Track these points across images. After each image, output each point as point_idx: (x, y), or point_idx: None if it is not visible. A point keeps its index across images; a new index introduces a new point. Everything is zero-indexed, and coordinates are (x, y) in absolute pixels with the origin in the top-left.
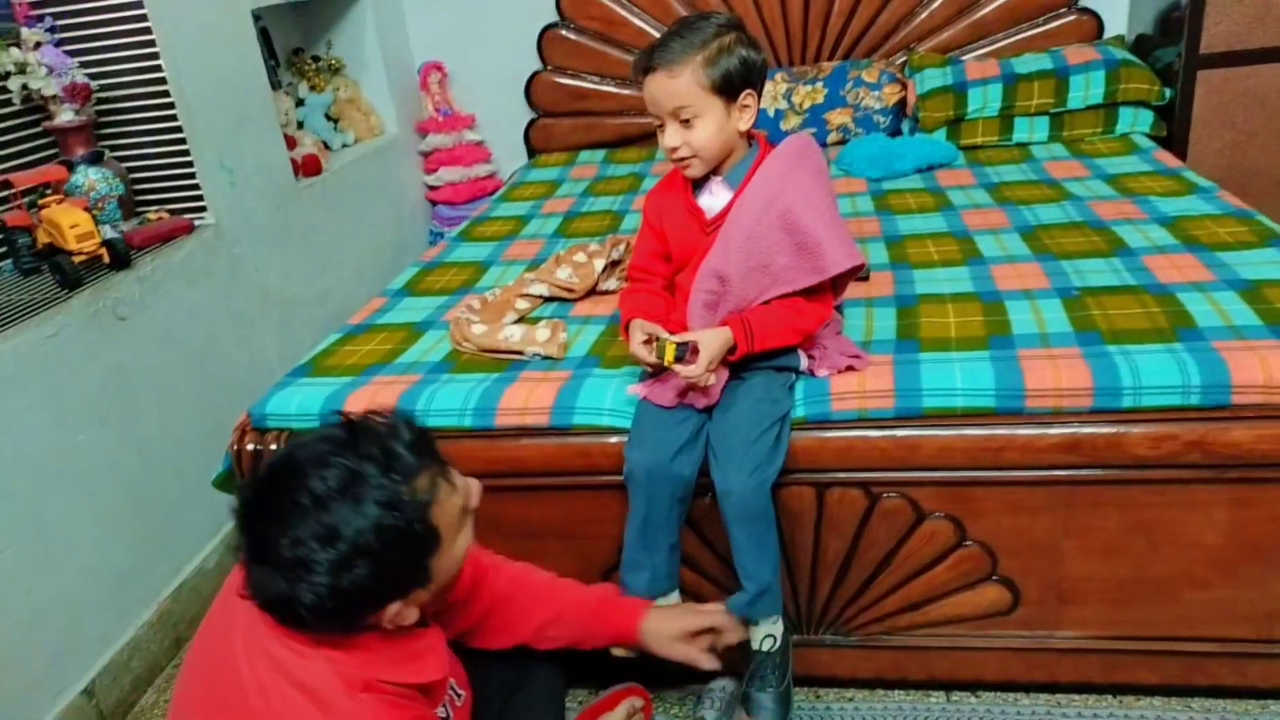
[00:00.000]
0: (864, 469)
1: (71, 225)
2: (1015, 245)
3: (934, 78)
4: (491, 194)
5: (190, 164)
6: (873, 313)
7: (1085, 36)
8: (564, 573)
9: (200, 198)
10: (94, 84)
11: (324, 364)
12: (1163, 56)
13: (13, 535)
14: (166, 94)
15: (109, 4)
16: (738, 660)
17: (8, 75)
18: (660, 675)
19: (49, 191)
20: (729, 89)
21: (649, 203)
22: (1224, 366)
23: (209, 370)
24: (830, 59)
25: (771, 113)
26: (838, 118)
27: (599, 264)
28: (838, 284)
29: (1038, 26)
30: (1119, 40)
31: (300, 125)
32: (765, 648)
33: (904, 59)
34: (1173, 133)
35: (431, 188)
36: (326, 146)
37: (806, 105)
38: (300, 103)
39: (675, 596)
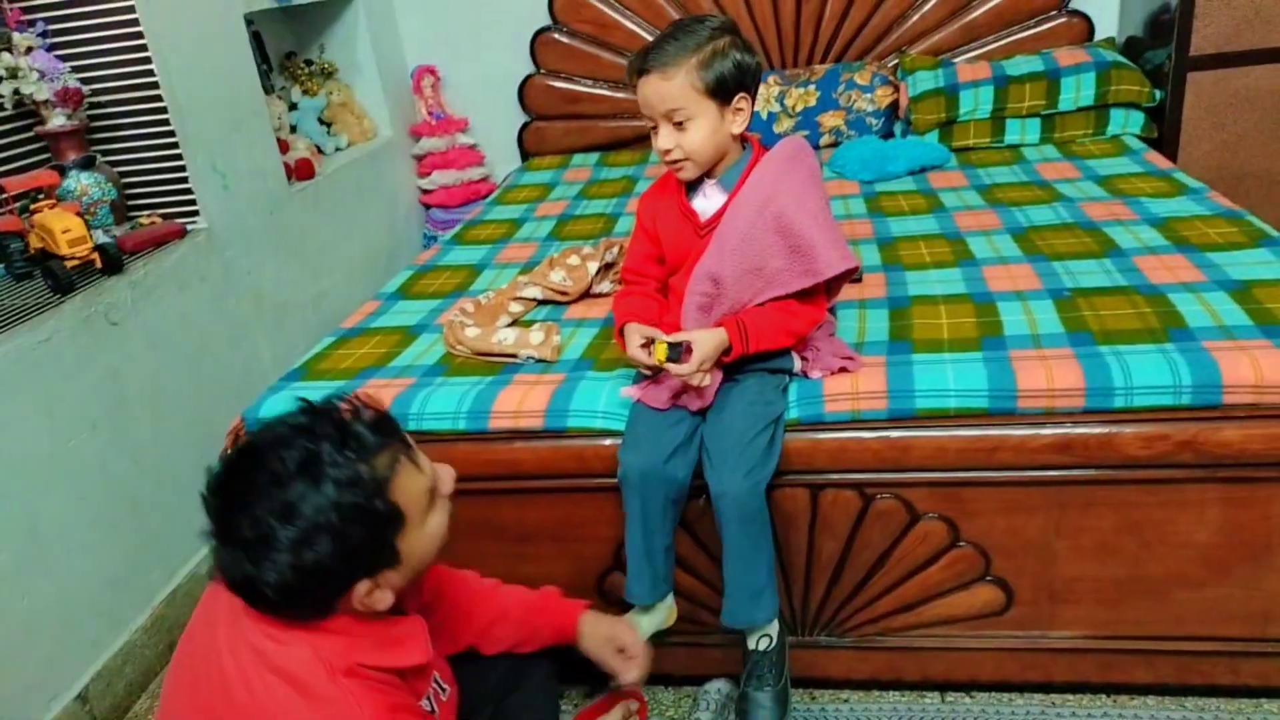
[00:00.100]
0: (857, 470)
1: (64, 230)
2: (1007, 246)
3: (926, 80)
4: (485, 197)
5: (183, 168)
6: (865, 314)
7: (1076, 39)
8: (559, 575)
9: (193, 202)
10: (86, 89)
11: (317, 368)
12: (1153, 58)
13: (5, 540)
14: (159, 98)
15: (101, 9)
16: (733, 662)
17: None
18: (655, 678)
19: (41, 196)
20: (723, 92)
21: (642, 205)
22: (1215, 366)
23: (202, 375)
24: (822, 62)
25: (764, 115)
26: (830, 120)
27: (593, 267)
28: (831, 287)
29: (1029, 29)
30: (1109, 42)
31: (293, 129)
32: (761, 647)
33: (896, 62)
34: (1163, 134)
35: (425, 191)
36: (319, 150)
37: (799, 108)
38: (293, 107)
39: (671, 599)
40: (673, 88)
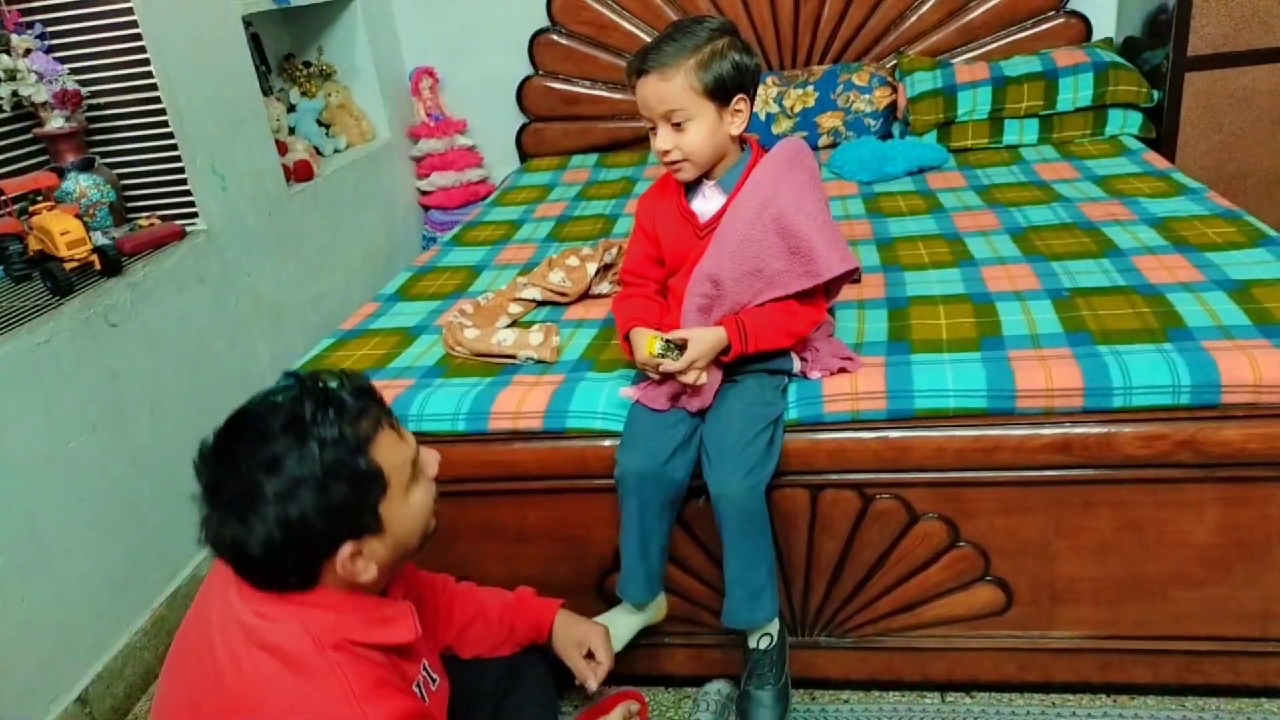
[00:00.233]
0: (857, 470)
1: (63, 232)
2: (1006, 247)
3: (924, 81)
4: (484, 199)
5: (181, 170)
6: (864, 315)
7: (1074, 39)
8: (559, 576)
9: (192, 204)
10: (84, 90)
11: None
12: (1151, 59)
13: (5, 542)
14: (157, 100)
15: (99, 10)
16: (734, 663)
17: None
18: (655, 679)
19: (40, 198)
20: (721, 93)
21: (641, 207)
22: (1214, 366)
23: (201, 376)
24: (821, 63)
25: (763, 116)
26: (829, 121)
27: (591, 268)
28: (830, 288)
29: (1027, 29)
30: (1107, 43)
31: (292, 131)
32: (762, 646)
33: (894, 62)
34: (1161, 134)
35: (424, 192)
36: (318, 152)
37: (798, 109)
38: (292, 108)
39: (662, 597)
40: (671, 89)
